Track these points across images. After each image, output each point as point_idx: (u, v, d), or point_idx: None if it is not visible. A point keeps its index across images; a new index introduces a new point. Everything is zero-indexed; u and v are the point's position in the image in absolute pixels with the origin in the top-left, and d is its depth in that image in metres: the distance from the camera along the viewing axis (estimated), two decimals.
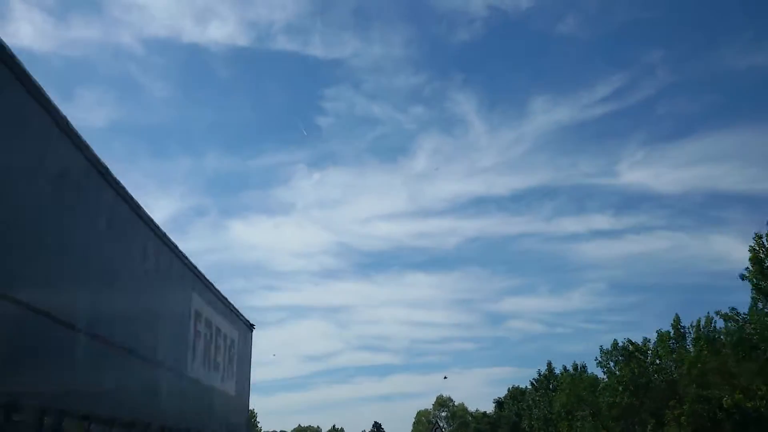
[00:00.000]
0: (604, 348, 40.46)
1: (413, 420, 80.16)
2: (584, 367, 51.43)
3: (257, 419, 79.16)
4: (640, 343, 38.05)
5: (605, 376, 41.29)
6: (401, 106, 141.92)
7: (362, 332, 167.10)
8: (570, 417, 44.98)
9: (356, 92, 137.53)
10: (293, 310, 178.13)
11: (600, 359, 40.57)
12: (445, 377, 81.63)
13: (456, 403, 78.73)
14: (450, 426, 76.11)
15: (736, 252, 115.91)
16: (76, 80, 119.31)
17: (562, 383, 49.89)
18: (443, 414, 77.09)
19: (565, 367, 54.96)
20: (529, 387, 61.53)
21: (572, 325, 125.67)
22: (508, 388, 69.31)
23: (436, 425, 49.41)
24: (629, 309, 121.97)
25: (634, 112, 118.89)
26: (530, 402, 57.58)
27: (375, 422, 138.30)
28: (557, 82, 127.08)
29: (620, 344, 39.26)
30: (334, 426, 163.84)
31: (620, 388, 36.34)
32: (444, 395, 78.43)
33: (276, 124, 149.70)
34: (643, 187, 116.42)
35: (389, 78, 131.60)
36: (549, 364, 58.22)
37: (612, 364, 40.17)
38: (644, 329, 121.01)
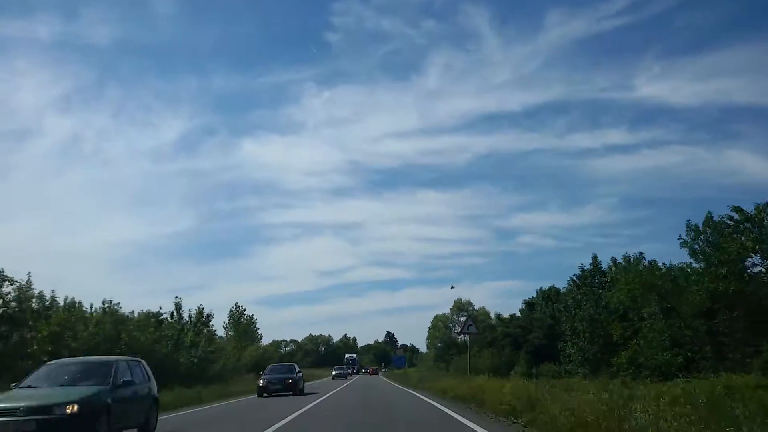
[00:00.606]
0: (692, 223, 29.04)
1: (429, 324, 70.76)
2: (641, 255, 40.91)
3: (257, 327, 70.93)
4: (752, 212, 26.48)
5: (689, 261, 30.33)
6: (412, 21, 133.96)
7: (374, 248, 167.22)
8: (628, 317, 34.44)
9: (366, 6, 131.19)
10: (306, 227, 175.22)
11: (687, 238, 29.07)
12: (452, 287, 75.10)
13: (476, 307, 68.83)
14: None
15: (751, 165, 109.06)
16: None
17: (615, 278, 39.20)
18: (462, 319, 67.11)
19: (615, 260, 44.36)
20: (567, 287, 51.45)
21: (583, 239, 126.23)
22: (537, 290, 59.35)
23: (469, 322, 39.43)
24: (640, 223, 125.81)
25: (651, 25, 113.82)
26: (569, 302, 47.58)
27: (388, 332, 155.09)
28: None
29: (717, 218, 27.89)
30: (345, 335, 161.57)
31: (723, 271, 25.19)
32: (463, 299, 68.40)
33: (284, 40, 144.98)
34: (658, 101, 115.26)
35: None
36: (594, 257, 47.31)
37: (700, 244, 28.94)
38: (656, 243, 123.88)
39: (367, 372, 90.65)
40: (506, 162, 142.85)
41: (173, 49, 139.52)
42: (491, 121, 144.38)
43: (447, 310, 69.73)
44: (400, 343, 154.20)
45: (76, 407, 9.60)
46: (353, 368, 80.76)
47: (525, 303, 60.07)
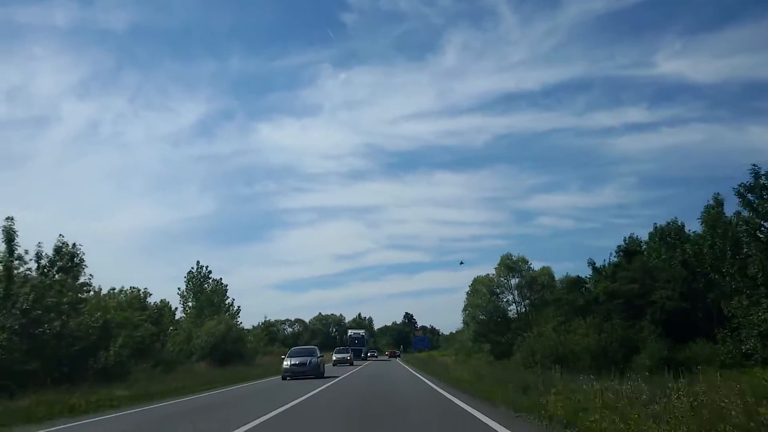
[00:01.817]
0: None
1: (467, 289, 49.77)
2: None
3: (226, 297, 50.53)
4: None
5: None
6: None
7: (392, 232, 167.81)
8: None
9: None
10: (323, 211, 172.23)
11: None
12: (461, 263, 65.52)
13: (534, 266, 47.61)
14: (529, 296, 45.35)
15: None
16: None
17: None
18: (513, 281, 46.05)
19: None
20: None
21: (602, 219, 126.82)
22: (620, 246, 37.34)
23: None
24: (661, 203, 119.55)
25: (673, 0, 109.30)
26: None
27: (406, 313, 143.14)
28: None
29: None
30: (359, 314, 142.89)
31: None
32: (513, 255, 47.28)
33: (299, 22, 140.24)
34: (679, 77, 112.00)
35: None
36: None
37: None
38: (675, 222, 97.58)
39: (374, 356, 71.09)
40: (525, 142, 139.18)
41: (189, 33, 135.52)
42: (509, 101, 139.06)
43: (491, 271, 48.57)
44: (419, 324, 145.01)
45: None
46: (360, 351, 58.66)
47: (590, 264, 38.16)
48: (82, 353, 23.80)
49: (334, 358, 48.92)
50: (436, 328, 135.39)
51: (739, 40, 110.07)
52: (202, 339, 40.86)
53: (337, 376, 27.35)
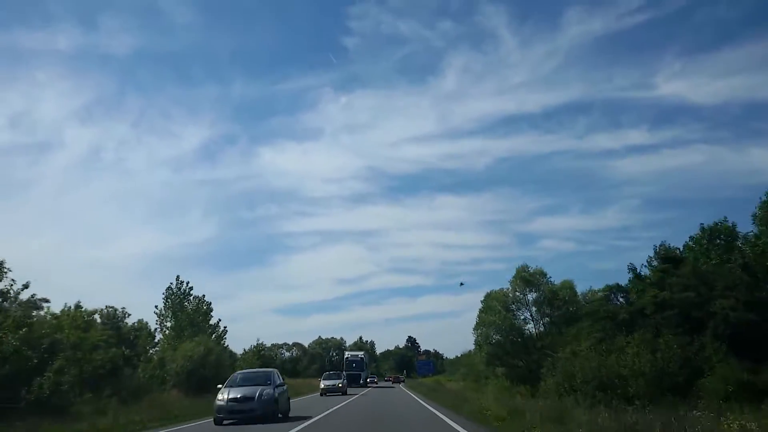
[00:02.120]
0: None
1: (480, 306, 44.38)
2: None
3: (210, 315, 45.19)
4: None
5: None
6: (429, 22, 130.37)
7: (394, 255, 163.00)
8: None
9: (382, 9, 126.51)
10: (325, 235, 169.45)
11: None
12: (462, 284, 69.49)
13: (552, 281, 42.38)
14: (549, 313, 40.09)
15: None
16: (98, 7, 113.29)
17: None
18: (531, 297, 40.73)
19: None
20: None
21: (604, 242, 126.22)
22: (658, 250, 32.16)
23: None
24: (663, 225, 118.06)
25: (672, 21, 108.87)
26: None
27: (409, 336, 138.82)
28: None
29: None
30: (360, 338, 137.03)
31: None
32: (530, 267, 42.06)
33: (301, 46, 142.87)
34: (679, 99, 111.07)
35: None
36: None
37: None
38: (679, 244, 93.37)
39: (374, 381, 65.72)
40: (526, 165, 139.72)
41: (192, 57, 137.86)
42: (510, 124, 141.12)
43: (505, 285, 43.21)
44: (422, 348, 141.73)
45: None
46: (358, 376, 50.63)
47: (630, 269, 33.06)
48: (12, 379, 18.81)
49: (322, 385, 40.63)
50: (440, 352, 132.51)
51: (738, 61, 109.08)
52: (177, 363, 35.42)
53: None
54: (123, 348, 41.46)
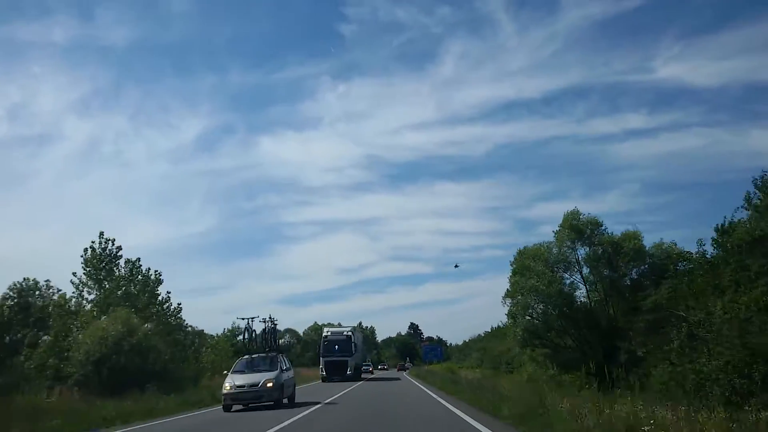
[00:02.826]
0: None
1: (511, 260, 32.43)
2: None
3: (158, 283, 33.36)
4: None
5: None
6: (427, 8, 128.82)
7: (394, 243, 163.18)
8: None
9: None
10: (326, 225, 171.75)
11: None
12: (456, 265, 61.78)
13: (610, 232, 30.74)
14: (607, 274, 28.49)
15: None
16: None
17: None
18: (582, 252, 29.05)
19: None
20: None
21: (605, 227, 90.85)
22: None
23: None
24: (663, 209, 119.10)
25: (670, 4, 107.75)
26: None
27: (411, 322, 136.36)
28: None
29: None
30: (360, 323, 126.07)
31: None
32: (584, 214, 30.40)
33: (298, 34, 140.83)
34: (678, 82, 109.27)
35: None
36: None
37: None
38: (679, 228, 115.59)
39: (368, 370, 55.50)
40: (525, 151, 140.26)
41: (189, 48, 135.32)
42: (509, 109, 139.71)
43: (498, 282, 31.52)
44: (425, 335, 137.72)
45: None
46: (343, 364, 37.05)
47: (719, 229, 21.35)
48: None
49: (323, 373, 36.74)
50: (444, 339, 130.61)
51: (737, 43, 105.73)
52: (82, 350, 23.92)
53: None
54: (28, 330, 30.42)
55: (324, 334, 38.71)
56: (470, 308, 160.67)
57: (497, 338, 71.24)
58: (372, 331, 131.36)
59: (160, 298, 34.34)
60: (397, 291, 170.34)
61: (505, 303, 31.81)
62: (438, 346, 69.12)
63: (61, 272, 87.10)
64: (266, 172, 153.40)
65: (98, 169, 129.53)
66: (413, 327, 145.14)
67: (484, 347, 68.74)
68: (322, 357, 37.33)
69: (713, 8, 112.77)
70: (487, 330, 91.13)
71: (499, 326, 79.73)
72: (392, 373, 69.96)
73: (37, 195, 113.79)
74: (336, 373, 35.74)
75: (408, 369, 72.65)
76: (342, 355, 36.07)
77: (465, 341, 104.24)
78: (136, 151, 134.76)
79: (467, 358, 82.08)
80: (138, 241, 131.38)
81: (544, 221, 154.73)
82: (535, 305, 29.30)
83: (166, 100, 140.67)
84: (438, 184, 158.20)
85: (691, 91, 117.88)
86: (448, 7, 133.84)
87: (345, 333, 37.80)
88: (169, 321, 35.02)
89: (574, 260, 30.72)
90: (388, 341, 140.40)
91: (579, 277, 30.56)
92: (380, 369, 74.66)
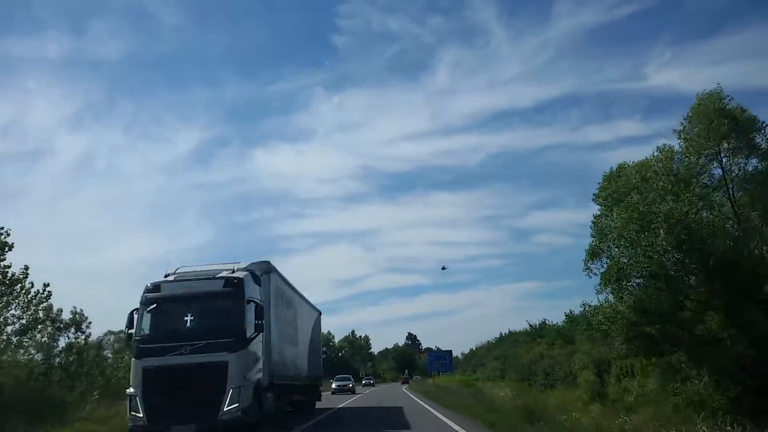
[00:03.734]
0: None
1: (596, 191, 17.53)
2: None
3: None
4: None
5: None
6: (419, 18, 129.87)
7: (390, 255, 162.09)
8: None
9: (372, 6, 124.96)
10: (321, 237, 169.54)
11: None
12: (444, 268, 54.93)
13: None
14: None
15: None
16: (87, 12, 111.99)
17: None
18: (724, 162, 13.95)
19: None
20: None
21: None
22: None
23: None
24: None
25: (661, 11, 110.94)
26: None
27: (409, 333, 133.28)
28: None
29: None
30: (352, 331, 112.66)
31: None
32: (726, 96, 15.50)
33: (291, 46, 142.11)
34: (671, 89, 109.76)
35: None
36: None
37: None
38: None
39: (347, 387, 42.38)
40: (519, 160, 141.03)
41: (182, 60, 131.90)
42: (503, 118, 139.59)
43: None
44: (423, 346, 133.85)
45: None
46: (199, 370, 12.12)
47: None
48: None
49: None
50: (444, 349, 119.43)
51: (728, 49, 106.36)
52: None
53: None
54: None
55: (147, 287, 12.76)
56: (468, 319, 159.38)
57: (520, 343, 56.83)
58: (366, 339, 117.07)
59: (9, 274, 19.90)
60: (394, 303, 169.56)
61: (586, 265, 17.23)
62: (446, 354, 54.36)
63: (54, 288, 74.85)
64: (261, 185, 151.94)
65: (93, 183, 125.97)
66: (411, 337, 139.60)
67: (503, 354, 54.24)
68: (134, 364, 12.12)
69: (704, 15, 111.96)
70: (496, 336, 79.22)
71: (511, 331, 68.41)
72: (387, 389, 55.48)
73: (32, 210, 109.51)
74: (174, 414, 11.11)
75: (412, 382, 59.31)
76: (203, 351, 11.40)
77: (472, 349, 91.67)
78: (131, 165, 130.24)
79: (480, 368, 67.55)
80: (133, 255, 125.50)
81: (540, 230, 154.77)
82: (665, 253, 14.68)
83: (160, 113, 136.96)
84: (433, 194, 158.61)
85: (683, 97, 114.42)
86: (440, 16, 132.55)
87: (218, 276, 12.38)
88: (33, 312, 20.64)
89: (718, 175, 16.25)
90: (385, 353, 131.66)
91: (726, 198, 16.16)
92: (365, 385, 59.58)
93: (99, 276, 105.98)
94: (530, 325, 50.79)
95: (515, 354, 48.72)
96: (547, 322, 50.12)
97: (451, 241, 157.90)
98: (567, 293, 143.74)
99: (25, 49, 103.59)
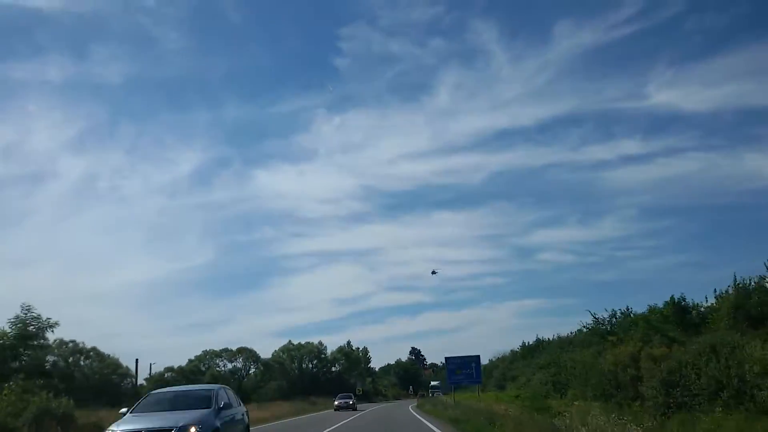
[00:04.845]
0: None
1: None
2: None
3: None
4: None
5: None
6: (420, 40, 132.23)
7: (392, 273, 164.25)
8: None
9: (373, 29, 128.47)
10: (323, 256, 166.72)
11: None
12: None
13: None
14: None
15: None
16: (88, 37, 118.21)
17: None
18: None
19: None
20: None
21: (603, 253, 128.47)
22: None
23: None
24: (661, 234, 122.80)
25: (662, 31, 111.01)
26: None
27: (412, 348, 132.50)
28: (581, 3, 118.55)
29: None
30: (348, 342, 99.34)
31: None
32: None
33: (293, 68, 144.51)
34: (672, 108, 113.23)
35: (406, 11, 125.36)
36: None
37: None
38: (677, 253, 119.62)
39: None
40: (521, 178, 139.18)
41: (184, 82, 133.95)
42: (504, 138, 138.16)
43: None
44: (428, 362, 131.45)
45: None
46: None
47: None
48: None
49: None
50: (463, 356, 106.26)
51: (728, 68, 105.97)
52: None
53: None
54: None
55: None
56: (470, 336, 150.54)
57: (575, 346, 40.51)
58: (365, 352, 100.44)
59: None
60: (396, 321, 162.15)
61: None
62: (471, 360, 37.05)
63: (58, 311, 72.44)
64: (263, 205, 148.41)
65: (95, 205, 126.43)
66: (415, 352, 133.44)
67: (554, 361, 37.63)
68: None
69: (703, 35, 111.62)
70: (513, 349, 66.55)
71: (559, 335, 51.77)
72: (385, 412, 39.08)
73: (34, 233, 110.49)
74: None
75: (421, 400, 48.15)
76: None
77: (491, 360, 76.20)
78: (132, 187, 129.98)
79: (510, 382, 51.00)
80: (135, 277, 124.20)
81: (543, 248, 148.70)
82: None
83: (161, 135, 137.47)
84: (435, 214, 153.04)
85: (685, 116, 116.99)
86: (441, 38, 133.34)
87: None
88: None
89: None
90: (387, 368, 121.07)
91: None
92: (338, 408, 46.55)
93: (100, 298, 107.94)
94: (594, 318, 34.53)
95: (580, 361, 32.48)
96: (630, 311, 34.07)
97: (453, 260, 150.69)
98: (570, 311, 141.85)
99: (27, 72, 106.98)
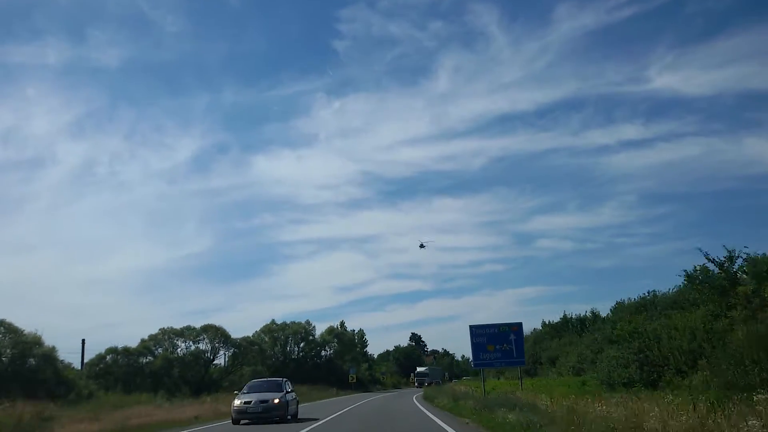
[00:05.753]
0: None
1: None
2: None
3: None
4: None
5: None
6: (419, 23, 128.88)
7: (392, 261, 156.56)
8: None
9: (372, 11, 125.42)
10: (322, 243, 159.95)
11: None
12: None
13: None
14: None
15: None
16: (86, 20, 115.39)
17: None
18: None
19: None
20: None
21: (603, 240, 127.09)
22: None
23: None
24: (661, 220, 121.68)
25: (662, 13, 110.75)
26: None
27: (413, 333, 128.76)
28: None
29: None
30: (342, 322, 77.90)
31: None
32: None
33: (292, 52, 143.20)
34: (672, 92, 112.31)
35: None
36: None
37: None
38: (677, 239, 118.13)
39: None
40: (521, 164, 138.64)
41: (183, 67, 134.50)
42: (504, 123, 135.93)
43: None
44: (429, 348, 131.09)
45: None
46: None
47: None
48: None
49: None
50: (450, 352, 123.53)
51: (729, 51, 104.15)
52: None
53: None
54: None
55: None
56: (471, 323, 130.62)
57: (657, 312, 27.93)
58: (361, 335, 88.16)
59: None
60: (396, 308, 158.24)
61: None
62: (508, 330, 24.58)
63: (57, 297, 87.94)
64: (262, 191, 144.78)
65: (93, 191, 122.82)
66: (415, 338, 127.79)
67: (636, 330, 24.94)
68: None
69: (704, 17, 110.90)
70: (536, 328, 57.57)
71: (619, 302, 35.24)
72: (379, 407, 27.02)
73: (33, 219, 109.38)
74: None
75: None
76: None
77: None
78: (131, 172, 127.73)
79: (549, 366, 38.71)
80: (134, 264, 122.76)
81: (542, 235, 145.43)
82: None
83: (160, 120, 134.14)
84: (435, 200, 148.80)
85: (685, 100, 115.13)
86: (441, 21, 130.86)
87: None
88: None
89: None
90: (386, 354, 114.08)
91: None
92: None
93: (101, 284, 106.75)
94: (713, 260, 21.89)
95: (690, 327, 19.94)
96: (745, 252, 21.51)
97: (452, 247, 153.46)
98: (569, 298, 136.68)
99: (25, 56, 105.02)
